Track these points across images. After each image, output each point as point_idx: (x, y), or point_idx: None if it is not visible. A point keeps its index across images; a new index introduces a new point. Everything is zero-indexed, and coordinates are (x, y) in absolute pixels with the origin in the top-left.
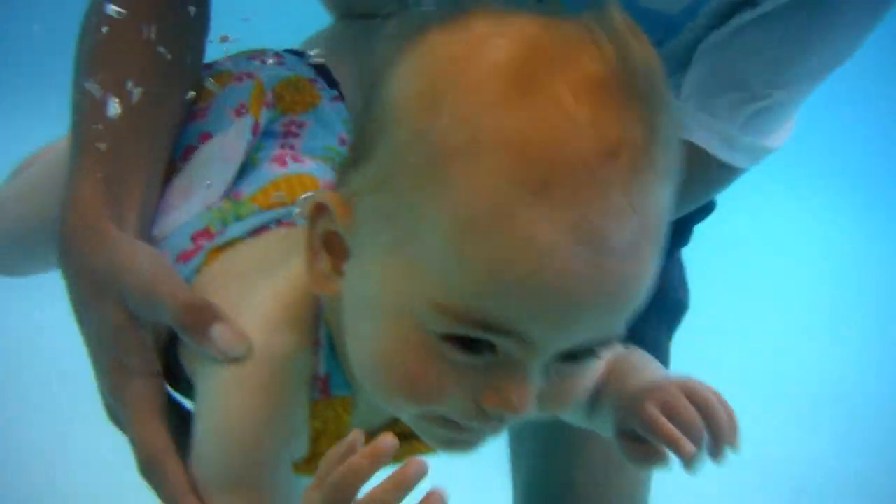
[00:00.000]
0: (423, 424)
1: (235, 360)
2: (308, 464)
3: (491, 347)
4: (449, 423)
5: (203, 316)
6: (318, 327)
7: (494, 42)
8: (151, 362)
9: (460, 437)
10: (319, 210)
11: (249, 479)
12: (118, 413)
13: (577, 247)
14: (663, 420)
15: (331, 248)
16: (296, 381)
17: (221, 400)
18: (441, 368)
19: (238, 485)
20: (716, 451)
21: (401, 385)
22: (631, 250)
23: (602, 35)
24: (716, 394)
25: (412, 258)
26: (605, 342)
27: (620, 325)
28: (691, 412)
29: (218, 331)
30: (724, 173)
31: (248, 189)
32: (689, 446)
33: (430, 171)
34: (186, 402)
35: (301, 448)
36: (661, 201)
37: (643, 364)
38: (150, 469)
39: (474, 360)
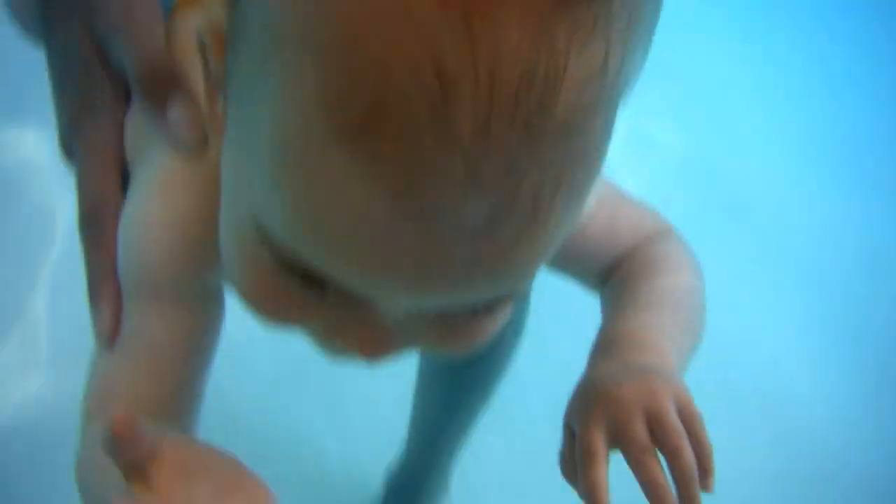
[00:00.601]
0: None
1: (184, 155)
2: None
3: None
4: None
5: (165, 86)
6: None
7: None
8: (117, 107)
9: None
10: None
11: (157, 291)
12: (73, 148)
13: (402, 217)
14: (650, 461)
15: None
16: None
17: (151, 195)
18: (286, 295)
19: (141, 293)
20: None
21: (248, 300)
22: (491, 226)
23: None
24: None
25: (244, 158)
26: (486, 305)
27: (500, 291)
28: (686, 459)
29: (177, 113)
30: None
31: None
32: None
33: (269, 52)
34: None
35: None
36: (564, 157)
37: (652, 308)
38: (90, 222)
39: (318, 294)
